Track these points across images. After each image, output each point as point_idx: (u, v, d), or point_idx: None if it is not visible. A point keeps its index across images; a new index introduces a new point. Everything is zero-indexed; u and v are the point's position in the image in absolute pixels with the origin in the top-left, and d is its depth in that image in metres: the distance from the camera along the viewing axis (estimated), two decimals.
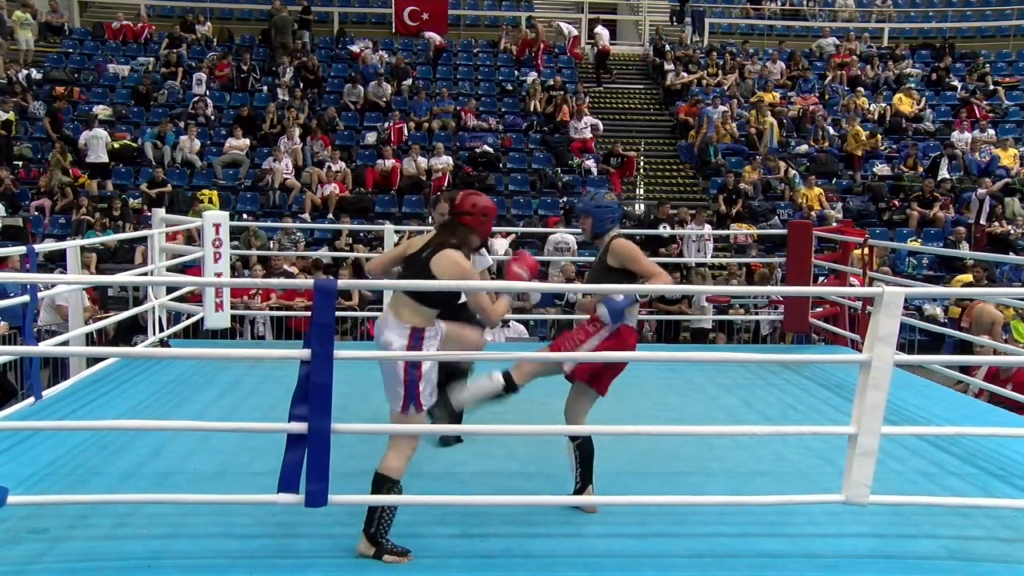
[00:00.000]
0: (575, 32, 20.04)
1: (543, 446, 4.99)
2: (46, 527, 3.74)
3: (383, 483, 3.63)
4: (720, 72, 19.06)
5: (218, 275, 7.26)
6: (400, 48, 19.27)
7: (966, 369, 7.53)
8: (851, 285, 7.99)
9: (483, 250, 3.98)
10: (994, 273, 11.83)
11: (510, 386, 4.08)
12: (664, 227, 12.67)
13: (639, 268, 4.07)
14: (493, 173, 15.50)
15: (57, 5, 19.56)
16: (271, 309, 10.33)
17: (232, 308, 7.82)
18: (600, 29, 19.84)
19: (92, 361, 6.84)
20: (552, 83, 17.75)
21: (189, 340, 8.77)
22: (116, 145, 15.23)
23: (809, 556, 3.71)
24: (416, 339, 3.67)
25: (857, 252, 8.12)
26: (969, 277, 11.06)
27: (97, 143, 14.79)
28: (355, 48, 18.82)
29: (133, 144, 15.52)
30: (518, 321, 9.90)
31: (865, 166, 16.66)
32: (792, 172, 15.93)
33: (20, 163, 14.82)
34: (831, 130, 17.26)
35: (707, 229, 12.91)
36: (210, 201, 13.93)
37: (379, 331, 3.78)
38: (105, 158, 14.84)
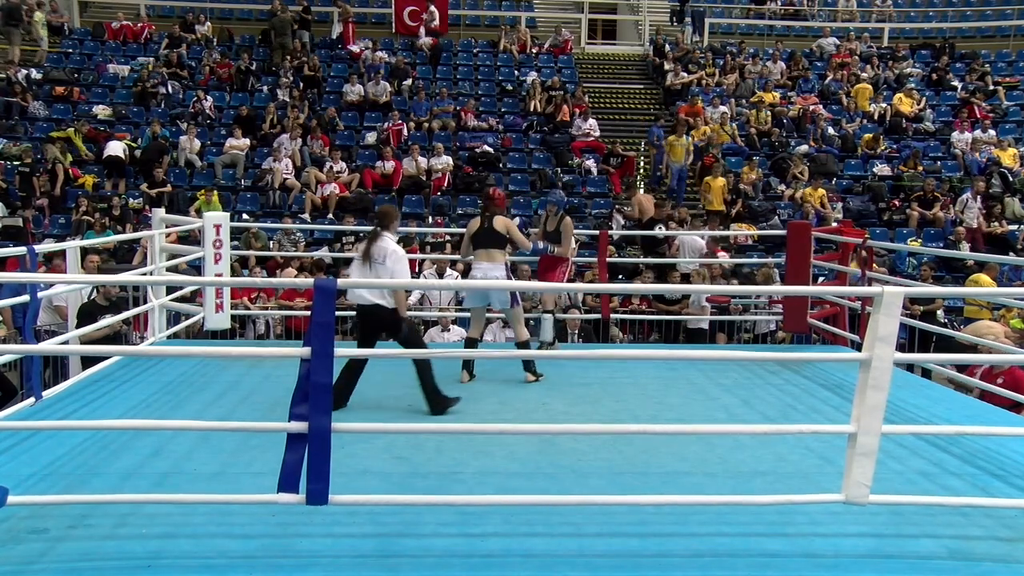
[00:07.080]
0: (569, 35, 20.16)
1: (543, 446, 4.99)
2: (46, 527, 3.73)
3: None
4: (720, 72, 19.06)
5: (218, 275, 7.26)
6: (400, 48, 19.27)
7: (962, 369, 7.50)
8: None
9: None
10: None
11: None
12: (660, 228, 12.67)
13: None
14: (493, 173, 15.50)
15: (57, 5, 19.57)
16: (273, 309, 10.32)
17: (232, 308, 7.81)
18: (433, 8, 19.66)
19: (88, 362, 6.83)
20: (552, 83, 17.75)
21: (190, 340, 8.76)
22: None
23: (809, 556, 3.70)
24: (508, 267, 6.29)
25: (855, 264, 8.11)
26: (985, 278, 10.84)
27: (117, 144, 14.85)
28: (355, 48, 18.81)
29: (133, 144, 15.51)
30: None
31: (865, 166, 16.67)
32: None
33: (19, 163, 14.81)
34: (831, 130, 17.27)
35: (704, 229, 12.93)
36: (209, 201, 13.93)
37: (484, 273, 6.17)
38: (121, 154, 14.87)
